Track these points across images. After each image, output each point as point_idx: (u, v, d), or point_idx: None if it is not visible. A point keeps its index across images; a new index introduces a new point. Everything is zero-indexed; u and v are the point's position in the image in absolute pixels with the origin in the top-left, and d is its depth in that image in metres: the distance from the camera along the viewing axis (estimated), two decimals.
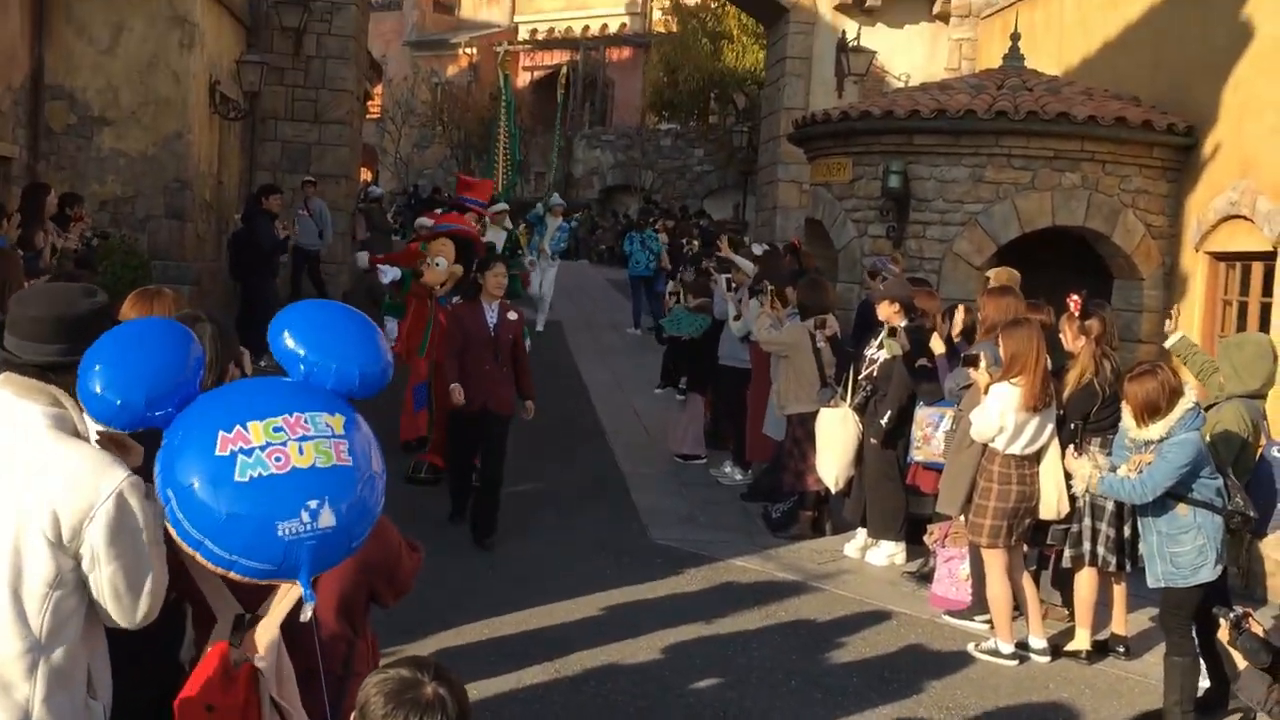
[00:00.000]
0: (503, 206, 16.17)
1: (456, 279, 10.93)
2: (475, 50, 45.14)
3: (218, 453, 3.08)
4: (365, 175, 33.93)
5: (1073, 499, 7.49)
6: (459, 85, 43.65)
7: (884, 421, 8.96)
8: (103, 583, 3.08)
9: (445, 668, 2.62)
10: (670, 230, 21.70)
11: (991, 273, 10.08)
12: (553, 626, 7.41)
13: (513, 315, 9.25)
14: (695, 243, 19.12)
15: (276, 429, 3.15)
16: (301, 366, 3.31)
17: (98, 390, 3.09)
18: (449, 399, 9.15)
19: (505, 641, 7.17)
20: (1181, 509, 6.51)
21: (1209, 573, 6.47)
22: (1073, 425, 7.56)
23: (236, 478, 3.06)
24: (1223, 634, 5.13)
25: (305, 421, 3.20)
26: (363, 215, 19.93)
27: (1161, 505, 6.56)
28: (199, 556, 3.05)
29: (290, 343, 3.32)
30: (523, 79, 43.28)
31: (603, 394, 14.91)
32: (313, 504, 3.13)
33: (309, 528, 3.11)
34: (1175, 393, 6.55)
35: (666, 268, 18.58)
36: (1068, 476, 7.44)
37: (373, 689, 2.53)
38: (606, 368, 16.63)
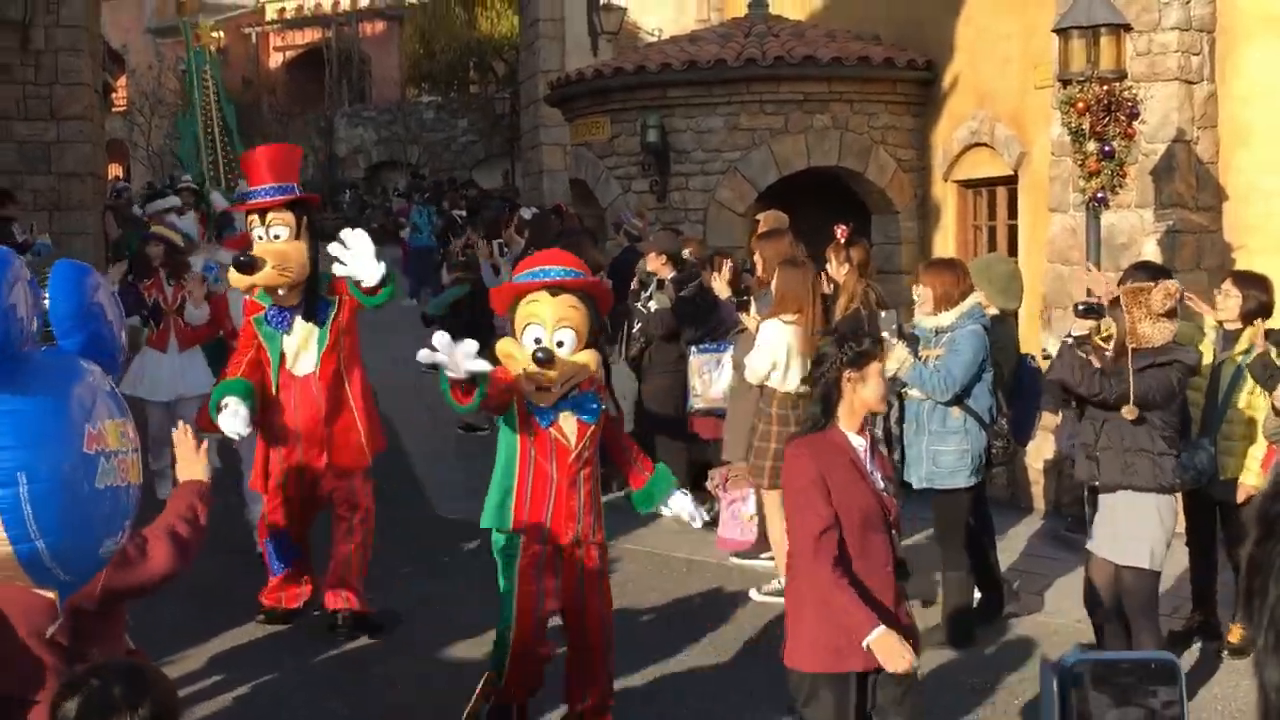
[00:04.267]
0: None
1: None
2: (222, 34, 43.61)
3: (85, 450, 2.76)
4: (116, 171, 32.53)
5: None
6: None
7: (632, 351, 9.20)
8: None
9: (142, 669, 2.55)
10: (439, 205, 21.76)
11: (760, 217, 10.24)
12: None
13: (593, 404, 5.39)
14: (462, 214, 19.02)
15: (122, 434, 2.88)
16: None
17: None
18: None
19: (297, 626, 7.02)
20: (954, 412, 6.76)
21: (965, 479, 6.74)
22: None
23: (96, 483, 2.78)
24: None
25: (131, 431, 2.96)
26: (111, 212, 19.12)
27: (936, 405, 6.78)
28: (12, 553, 2.68)
29: None
30: (275, 60, 42.07)
31: (383, 372, 14.63)
32: (126, 524, 2.91)
33: (115, 547, 2.88)
34: (970, 289, 6.81)
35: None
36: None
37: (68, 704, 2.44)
38: (381, 347, 16.33)
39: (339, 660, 6.70)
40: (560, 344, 5.07)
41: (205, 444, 3.63)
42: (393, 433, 11.89)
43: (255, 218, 6.69)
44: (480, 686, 5.49)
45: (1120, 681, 0.81)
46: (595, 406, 5.32)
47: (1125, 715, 0.80)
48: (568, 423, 5.28)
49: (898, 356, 7.01)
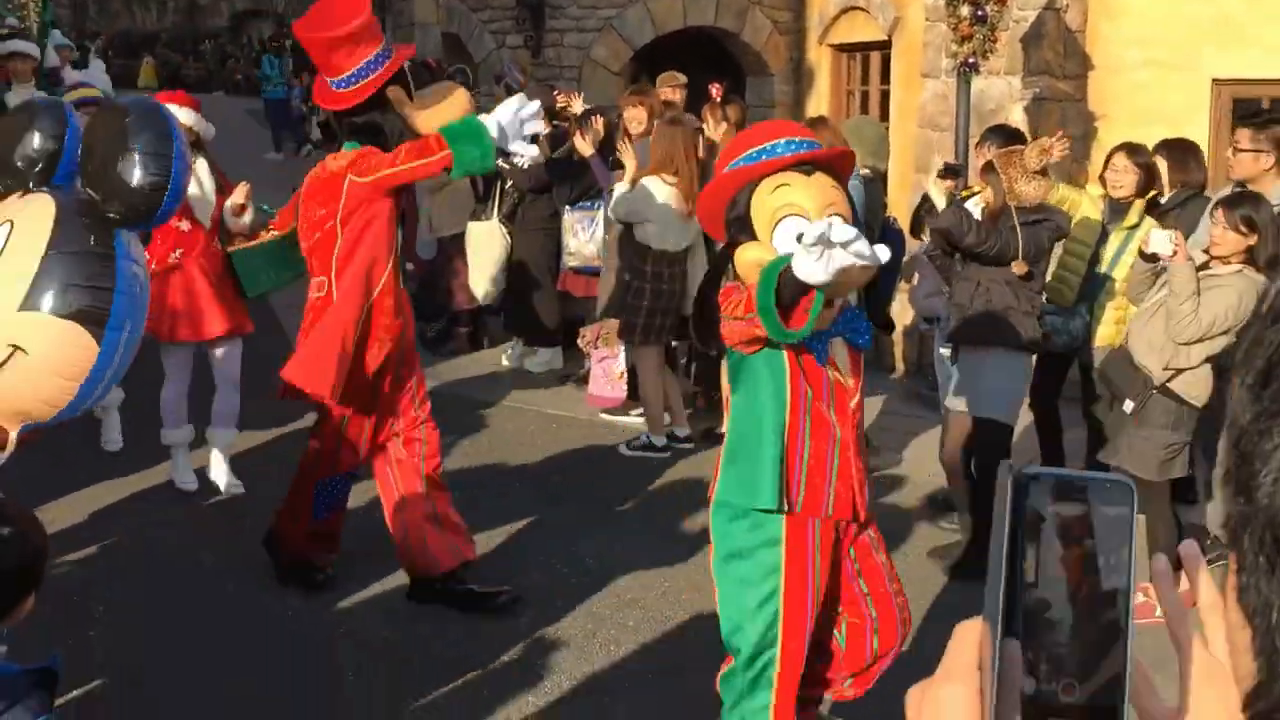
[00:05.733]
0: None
1: None
2: None
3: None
4: None
5: None
6: None
7: (504, 208, 9.13)
8: None
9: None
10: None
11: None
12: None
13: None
14: None
15: None
16: None
17: None
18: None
19: (160, 489, 6.97)
20: None
21: None
22: None
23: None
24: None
25: None
26: None
27: None
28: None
29: None
30: None
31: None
32: None
33: None
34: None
35: None
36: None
37: None
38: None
39: (212, 510, 6.69)
40: None
41: None
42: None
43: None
44: None
45: (1074, 494, 0.83)
46: (867, 326, 3.86)
47: (1074, 520, 0.82)
48: (840, 354, 3.74)
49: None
